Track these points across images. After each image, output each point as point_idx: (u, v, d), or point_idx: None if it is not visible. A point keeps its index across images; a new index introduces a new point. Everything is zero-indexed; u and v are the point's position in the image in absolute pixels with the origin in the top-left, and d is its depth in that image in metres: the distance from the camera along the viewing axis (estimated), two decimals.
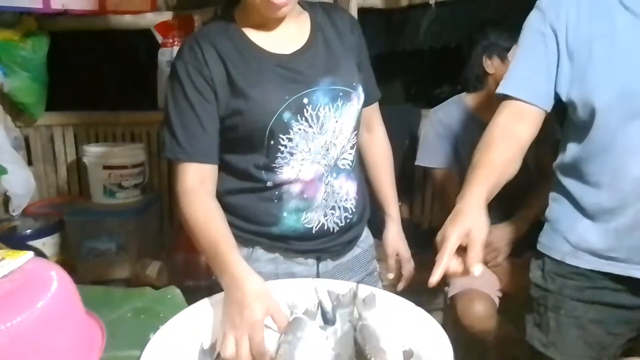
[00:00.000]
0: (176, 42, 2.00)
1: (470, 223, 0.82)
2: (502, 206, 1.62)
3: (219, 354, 0.79)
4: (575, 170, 1.04)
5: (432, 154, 1.74)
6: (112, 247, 1.89)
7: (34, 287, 0.68)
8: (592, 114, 0.95)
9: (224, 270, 0.81)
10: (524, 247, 1.53)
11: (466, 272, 0.80)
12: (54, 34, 1.99)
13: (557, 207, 1.10)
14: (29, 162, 2.11)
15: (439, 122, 1.72)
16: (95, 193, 1.93)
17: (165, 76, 1.93)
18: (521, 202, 1.63)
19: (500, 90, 1.03)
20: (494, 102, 1.56)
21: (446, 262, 0.80)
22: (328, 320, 0.85)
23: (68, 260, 1.88)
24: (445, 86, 2.84)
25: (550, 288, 1.12)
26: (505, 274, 1.62)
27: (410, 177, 2.30)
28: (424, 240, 2.10)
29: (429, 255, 2.01)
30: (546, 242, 1.13)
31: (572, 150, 1.03)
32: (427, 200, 2.39)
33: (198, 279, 1.65)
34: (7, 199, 1.99)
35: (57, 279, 0.70)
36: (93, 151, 1.94)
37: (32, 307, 0.63)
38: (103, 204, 1.92)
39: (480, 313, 1.54)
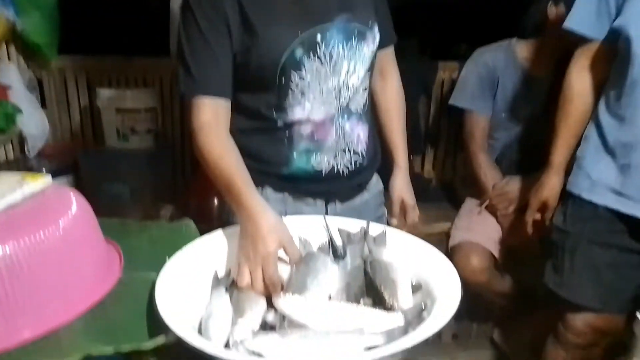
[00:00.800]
0: None
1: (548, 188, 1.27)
2: (529, 160, 1.62)
3: (232, 282, 0.82)
4: (609, 106, 1.12)
5: (469, 96, 1.71)
6: (126, 190, 1.91)
7: (56, 208, 0.70)
8: (629, 44, 1.02)
9: (239, 204, 0.83)
10: None
11: None
12: None
13: (585, 145, 1.20)
14: (43, 105, 2.11)
15: (484, 64, 1.68)
16: (109, 137, 1.94)
17: (177, 22, 1.89)
18: (544, 159, 1.63)
19: (566, 25, 1.17)
20: (548, 53, 1.57)
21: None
22: (339, 256, 0.86)
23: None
24: (463, 43, 2.76)
25: (569, 230, 1.19)
26: (510, 226, 1.64)
27: (423, 131, 2.28)
28: (434, 196, 2.14)
29: (438, 210, 2.04)
30: (572, 179, 1.21)
31: (611, 85, 1.11)
32: (439, 156, 2.38)
33: (210, 222, 1.68)
34: (22, 140, 2.01)
35: (77, 202, 0.72)
36: (106, 94, 1.93)
37: (55, 223, 0.65)
38: (117, 148, 1.93)
39: (475, 266, 1.57)
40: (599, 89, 1.18)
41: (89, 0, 2.65)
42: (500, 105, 1.67)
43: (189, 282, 0.76)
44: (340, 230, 0.91)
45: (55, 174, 1.85)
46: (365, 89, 1.04)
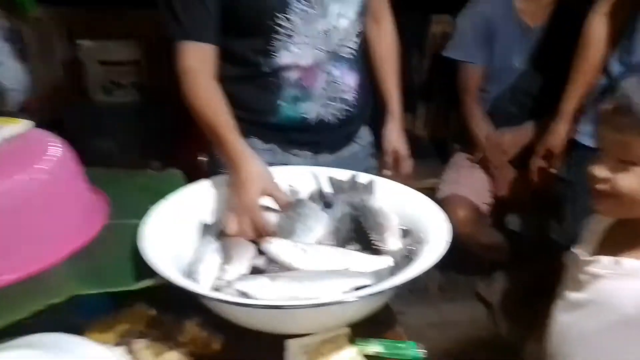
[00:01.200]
0: None
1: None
2: (522, 111, 1.60)
3: (222, 230, 0.81)
4: (621, 54, 1.14)
5: (464, 47, 1.67)
6: (112, 146, 1.88)
7: (40, 151, 0.68)
8: None
9: (226, 151, 0.81)
10: (528, 157, 1.54)
11: None
12: None
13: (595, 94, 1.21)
14: (24, 59, 2.04)
15: (480, 14, 1.64)
16: (93, 91, 1.90)
17: None
18: (538, 111, 1.62)
19: None
20: (542, 3, 1.55)
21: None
22: (328, 205, 0.86)
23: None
24: None
25: (571, 179, 1.21)
26: (502, 178, 1.64)
27: (415, 87, 2.25)
28: (425, 152, 2.13)
29: (429, 166, 2.03)
30: (579, 128, 1.24)
31: (624, 35, 1.13)
32: (431, 112, 2.35)
33: (199, 178, 1.67)
34: (2, 94, 1.95)
35: (62, 147, 0.71)
36: (88, 46, 1.87)
37: (38, 165, 0.63)
38: (102, 102, 1.89)
39: (462, 218, 1.58)
40: (616, 38, 1.17)
41: None
42: (495, 56, 1.65)
43: (175, 230, 0.75)
44: (329, 179, 0.90)
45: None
46: (358, 34, 1.00)
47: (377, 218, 0.75)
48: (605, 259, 0.69)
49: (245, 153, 0.80)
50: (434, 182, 1.83)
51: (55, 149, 0.68)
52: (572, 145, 1.24)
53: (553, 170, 1.44)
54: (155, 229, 0.71)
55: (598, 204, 0.69)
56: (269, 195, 0.77)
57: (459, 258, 1.75)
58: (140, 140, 1.94)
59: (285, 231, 0.74)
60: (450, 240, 0.68)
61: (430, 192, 1.84)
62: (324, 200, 0.87)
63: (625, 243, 0.70)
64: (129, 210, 0.78)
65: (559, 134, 1.37)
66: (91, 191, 0.77)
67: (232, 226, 0.75)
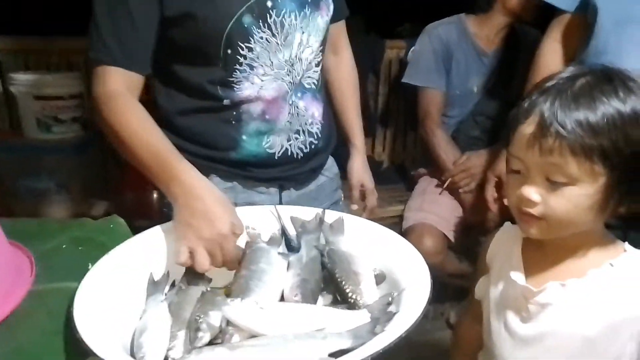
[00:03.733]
0: None
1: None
2: (485, 135, 1.60)
3: (172, 284, 0.71)
4: None
5: (424, 72, 1.67)
6: (51, 185, 1.73)
7: None
8: (594, 13, 0.99)
9: (174, 180, 0.72)
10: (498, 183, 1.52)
11: None
12: None
13: None
14: None
15: (438, 38, 1.64)
16: (27, 127, 1.73)
17: None
18: (498, 132, 1.62)
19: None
20: (495, 28, 1.56)
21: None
22: (293, 248, 0.78)
23: (3, 201, 1.71)
24: (407, 23, 2.73)
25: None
26: (472, 203, 1.62)
27: (373, 112, 2.23)
28: (386, 178, 2.10)
29: (391, 192, 2.00)
30: None
31: (577, 57, 1.11)
32: (389, 137, 2.34)
33: (150, 218, 1.54)
34: None
35: None
36: (23, 79, 1.72)
37: None
38: (38, 139, 1.73)
39: (429, 248, 1.55)
40: (568, 63, 1.18)
41: None
42: (454, 81, 1.65)
43: (118, 292, 0.64)
44: (293, 219, 0.82)
45: None
46: (319, 64, 0.97)
47: (349, 265, 0.67)
48: (552, 286, 0.66)
49: (202, 178, 0.73)
50: (397, 209, 1.80)
51: None
52: None
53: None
54: (92, 293, 0.60)
55: (528, 228, 0.65)
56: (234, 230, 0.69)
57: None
58: (83, 179, 1.79)
59: (240, 291, 0.64)
60: (431, 286, 0.61)
61: (394, 220, 1.82)
62: (287, 244, 0.79)
63: (551, 262, 0.68)
64: (59, 271, 0.66)
65: (486, 157, 1.40)
66: (11, 252, 0.65)
67: (204, 262, 0.66)
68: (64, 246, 0.74)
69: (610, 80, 0.60)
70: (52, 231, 0.78)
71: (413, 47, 1.76)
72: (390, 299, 0.61)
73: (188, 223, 0.69)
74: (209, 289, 0.68)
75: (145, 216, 1.67)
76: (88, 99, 1.88)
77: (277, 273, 0.69)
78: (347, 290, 0.63)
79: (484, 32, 1.63)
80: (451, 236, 1.63)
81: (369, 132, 2.31)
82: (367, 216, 1.19)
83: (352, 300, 0.63)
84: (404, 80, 1.73)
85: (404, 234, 1.66)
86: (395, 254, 0.72)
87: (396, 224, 1.74)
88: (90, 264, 0.65)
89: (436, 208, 1.64)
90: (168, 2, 0.79)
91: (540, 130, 0.59)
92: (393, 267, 0.70)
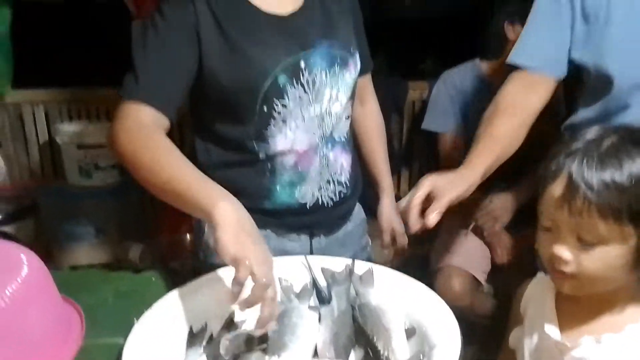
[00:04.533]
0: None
1: (451, 181, 0.86)
2: (505, 175, 1.59)
3: (210, 337, 0.74)
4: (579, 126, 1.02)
5: (442, 118, 1.69)
6: (90, 230, 1.81)
7: (2, 272, 0.61)
8: (607, 79, 0.93)
9: (216, 206, 0.69)
10: (524, 223, 1.51)
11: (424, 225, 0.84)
12: (17, 3, 1.85)
13: None
14: None
15: (453, 85, 1.68)
16: (70, 174, 1.84)
17: None
18: (524, 171, 1.61)
19: (510, 59, 1.00)
20: (510, 71, 1.55)
21: (412, 198, 0.85)
22: (323, 299, 0.80)
23: (44, 246, 1.79)
24: (429, 59, 2.79)
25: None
26: (500, 245, 1.61)
27: (397, 151, 2.26)
28: None
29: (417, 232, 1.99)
30: None
31: (585, 112, 1.01)
32: (414, 175, 2.35)
33: (183, 260, 1.60)
34: None
35: (27, 263, 0.64)
36: (66, 130, 1.84)
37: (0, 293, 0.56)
38: (79, 186, 1.83)
39: (457, 290, 1.53)
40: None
41: (45, 30, 2.54)
42: (474, 126, 1.66)
43: (161, 346, 0.67)
44: (323, 270, 0.85)
45: (14, 216, 1.75)
46: (348, 117, 1.01)
47: (379, 320, 0.69)
48: (587, 341, 0.65)
49: (240, 204, 0.72)
50: (422, 249, 1.79)
51: (22, 269, 0.61)
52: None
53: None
54: (138, 349, 0.64)
55: (561, 285, 0.66)
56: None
57: (460, 329, 1.67)
58: (120, 223, 1.87)
59: (275, 348, 0.66)
60: (461, 344, 0.62)
61: (419, 260, 1.81)
62: (319, 296, 0.81)
63: (586, 316, 0.68)
64: (106, 324, 0.70)
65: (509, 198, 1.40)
66: (63, 307, 0.70)
67: (244, 273, 0.62)
68: (109, 299, 0.78)
69: (636, 140, 0.61)
70: (96, 284, 0.83)
71: (432, 89, 1.79)
72: (421, 356, 0.63)
73: (237, 240, 0.66)
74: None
75: (179, 257, 1.74)
76: None
77: (310, 327, 0.70)
78: (379, 347, 0.65)
79: (499, 77, 1.64)
80: (480, 277, 1.61)
81: (394, 170, 2.33)
82: (397, 259, 1.21)
83: (384, 357, 0.64)
84: (423, 126, 1.76)
85: (431, 275, 1.65)
86: (424, 306, 0.74)
87: (422, 264, 1.73)
88: (135, 319, 0.68)
89: (464, 249, 1.63)
90: (206, 57, 0.83)
91: (568, 192, 0.61)
92: (422, 320, 0.71)
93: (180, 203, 0.74)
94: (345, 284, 0.81)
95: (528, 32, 1.00)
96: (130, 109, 0.80)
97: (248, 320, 0.77)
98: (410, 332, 0.71)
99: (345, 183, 1.02)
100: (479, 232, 1.65)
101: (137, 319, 0.68)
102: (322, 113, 0.93)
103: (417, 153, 2.32)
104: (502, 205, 1.58)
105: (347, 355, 0.67)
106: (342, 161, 1.01)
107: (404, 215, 0.85)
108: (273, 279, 0.66)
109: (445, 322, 0.69)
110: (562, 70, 0.97)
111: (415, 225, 0.84)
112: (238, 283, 0.63)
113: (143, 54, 0.82)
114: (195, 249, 1.05)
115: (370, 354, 0.67)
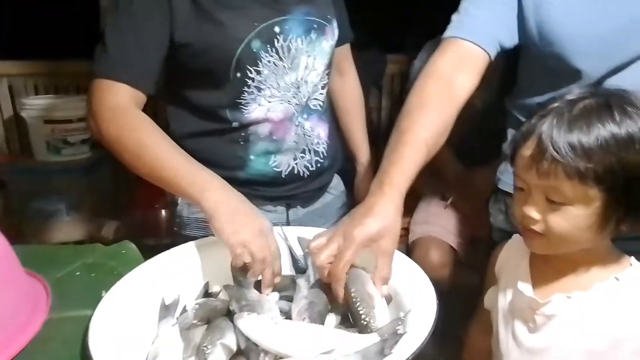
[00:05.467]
0: None
1: (381, 227, 0.68)
2: (489, 150, 1.59)
3: (183, 309, 0.72)
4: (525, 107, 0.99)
5: None
6: (62, 207, 1.77)
7: None
8: (573, 70, 0.86)
9: (208, 189, 0.74)
10: None
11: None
12: None
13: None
14: None
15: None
16: (38, 150, 1.77)
17: None
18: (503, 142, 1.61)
19: (447, 32, 0.89)
20: None
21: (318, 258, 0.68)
22: (299, 268, 0.79)
23: (13, 223, 1.74)
24: (408, 32, 2.75)
25: (517, 231, 1.10)
26: (478, 219, 1.61)
27: (376, 126, 2.25)
28: None
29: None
30: (507, 178, 1.07)
31: (540, 96, 0.93)
32: None
33: (159, 236, 1.57)
34: None
35: None
36: (33, 104, 1.76)
37: None
38: (48, 162, 1.77)
39: (435, 261, 1.53)
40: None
41: (9, 1, 2.41)
42: None
43: (131, 319, 0.65)
44: (300, 240, 0.83)
45: None
46: (324, 87, 0.99)
47: (364, 286, 0.67)
48: (557, 298, 0.67)
49: (229, 185, 0.77)
50: (404, 222, 1.79)
51: None
52: (501, 194, 1.10)
53: None
54: (106, 320, 0.61)
55: (531, 243, 0.68)
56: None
57: (439, 301, 1.69)
58: (93, 199, 1.82)
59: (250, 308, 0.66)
60: (436, 310, 0.62)
61: (401, 233, 1.81)
62: (295, 265, 0.80)
63: (557, 275, 0.69)
64: (73, 298, 0.68)
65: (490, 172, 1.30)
66: (28, 282, 0.67)
67: (240, 254, 0.70)
68: (77, 273, 0.75)
69: (608, 105, 0.60)
70: (65, 257, 0.80)
71: (413, 62, 1.76)
72: (399, 322, 0.62)
73: (232, 222, 0.72)
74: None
75: (155, 234, 1.71)
76: None
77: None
78: (361, 313, 0.64)
79: None
80: (459, 248, 1.62)
81: (372, 145, 2.33)
82: None
83: (365, 323, 0.63)
84: (405, 97, 1.73)
85: (411, 247, 1.66)
86: (401, 273, 0.73)
87: (402, 236, 1.74)
88: (103, 291, 0.66)
89: (442, 220, 1.63)
90: (180, 26, 0.81)
91: (537, 154, 0.61)
92: (398, 286, 0.71)
93: (170, 189, 0.78)
94: None
95: (467, 7, 0.89)
96: (106, 88, 0.78)
97: (223, 290, 0.75)
98: (387, 299, 0.71)
99: (323, 153, 1.01)
100: (459, 205, 1.65)
101: (106, 291, 0.66)
102: (298, 81, 0.92)
103: None
104: (483, 179, 1.58)
105: (322, 322, 0.67)
106: (319, 131, 0.99)
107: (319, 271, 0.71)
108: (273, 253, 0.72)
109: (421, 287, 0.68)
110: (496, 50, 0.87)
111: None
112: (238, 262, 0.70)
113: (114, 27, 0.80)
114: (170, 224, 1.03)
115: (350, 319, 0.67)
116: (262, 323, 0.60)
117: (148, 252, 0.83)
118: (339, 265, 0.66)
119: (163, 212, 1.60)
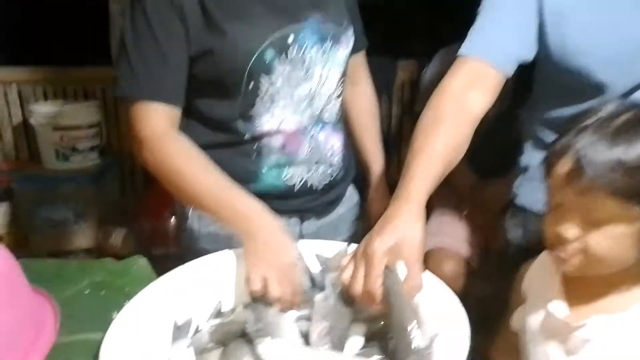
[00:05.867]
0: None
1: (400, 237, 0.66)
2: (502, 160, 1.54)
3: (196, 330, 0.70)
4: (560, 120, 0.91)
5: None
6: (69, 215, 1.75)
7: None
8: (597, 85, 0.83)
9: (240, 217, 0.76)
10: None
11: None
12: None
13: (538, 156, 0.93)
14: None
15: (450, 64, 1.59)
16: (46, 158, 1.76)
17: (117, 27, 1.74)
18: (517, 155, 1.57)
19: (462, 49, 0.85)
20: None
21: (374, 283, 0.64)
22: (317, 286, 0.76)
23: (19, 232, 1.72)
24: (419, 38, 2.72)
25: (536, 249, 1.06)
26: (493, 230, 1.57)
27: (385, 136, 2.21)
28: None
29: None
30: (525, 193, 1.04)
31: (560, 109, 0.91)
32: (404, 158, 2.30)
33: (167, 246, 1.54)
34: None
35: None
36: (41, 111, 1.74)
37: None
38: (56, 169, 1.75)
39: (449, 273, 1.49)
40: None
41: (17, 5, 2.41)
42: None
43: (143, 341, 0.63)
44: (318, 257, 0.80)
45: None
46: (339, 97, 0.96)
47: (403, 314, 0.61)
48: (594, 320, 0.63)
49: (266, 212, 0.77)
50: None
51: None
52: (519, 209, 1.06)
53: None
54: (117, 345, 0.59)
55: (565, 265, 0.64)
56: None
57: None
58: (100, 207, 1.80)
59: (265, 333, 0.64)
60: (469, 334, 0.58)
61: None
62: (312, 284, 0.77)
63: (593, 295, 0.66)
64: (83, 319, 0.65)
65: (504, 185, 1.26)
66: (35, 301, 0.64)
67: (275, 290, 0.70)
68: (86, 292, 0.73)
69: None
70: (73, 273, 0.77)
71: (424, 70, 1.72)
72: (428, 347, 0.59)
73: (258, 253, 0.72)
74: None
75: (164, 244, 1.68)
76: (106, 127, 1.90)
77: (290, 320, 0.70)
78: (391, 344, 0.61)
79: None
80: (472, 260, 1.58)
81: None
82: None
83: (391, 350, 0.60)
84: (417, 109, 1.70)
85: (423, 258, 1.61)
86: (427, 293, 0.70)
87: None
88: (114, 312, 0.63)
89: (455, 232, 1.59)
90: (193, 39, 0.80)
91: (575, 171, 0.58)
92: (425, 307, 0.67)
93: (216, 217, 0.80)
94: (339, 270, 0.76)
95: (484, 21, 0.85)
96: (140, 113, 0.80)
97: (237, 309, 0.73)
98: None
99: (337, 165, 0.98)
100: (472, 216, 1.61)
101: (117, 312, 0.63)
102: (312, 92, 0.89)
103: (407, 135, 2.27)
104: (496, 191, 1.54)
105: (343, 347, 0.63)
106: (333, 142, 0.97)
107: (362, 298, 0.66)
108: (293, 290, 0.72)
109: (449, 305, 0.65)
110: (512, 68, 0.84)
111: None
112: (252, 291, 0.71)
113: (136, 46, 0.80)
114: (179, 233, 1.01)
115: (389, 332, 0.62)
116: (283, 349, 0.57)
117: (157, 262, 0.83)
118: (369, 281, 0.64)
119: (172, 220, 1.57)
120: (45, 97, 1.95)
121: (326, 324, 0.65)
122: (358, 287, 0.64)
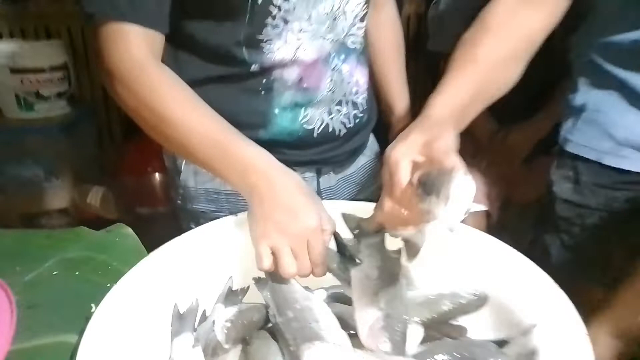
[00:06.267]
0: None
1: (428, 135, 0.57)
2: (526, 103, 1.38)
3: (202, 315, 0.56)
4: (628, 53, 0.80)
5: (451, 37, 1.46)
6: (39, 172, 1.60)
7: None
8: None
9: (250, 169, 0.59)
10: (541, 152, 1.34)
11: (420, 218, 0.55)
12: None
13: (596, 95, 0.87)
14: None
15: None
16: (7, 106, 1.58)
17: None
18: (545, 97, 1.42)
19: None
20: None
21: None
22: (350, 258, 0.60)
23: None
24: None
25: (589, 204, 0.91)
26: (515, 181, 1.45)
27: None
28: None
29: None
30: (578, 139, 0.90)
31: (625, 32, 0.78)
32: (417, 102, 2.16)
33: (154, 205, 1.39)
34: None
35: None
36: None
37: None
38: (19, 119, 1.58)
39: (469, 225, 1.39)
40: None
41: None
42: None
43: (133, 340, 0.47)
44: (345, 216, 0.64)
45: None
46: (364, 19, 0.80)
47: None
48: None
49: (282, 166, 0.61)
50: None
51: None
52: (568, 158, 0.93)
53: None
54: (99, 350, 0.43)
55: None
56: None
57: None
58: (74, 162, 1.64)
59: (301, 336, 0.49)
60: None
61: None
62: (342, 253, 0.61)
63: None
64: (50, 316, 0.49)
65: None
66: None
67: (290, 264, 0.55)
68: (54, 272, 0.55)
69: None
70: (37, 249, 0.60)
71: (433, 3, 1.54)
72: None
73: (269, 217, 0.57)
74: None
75: (149, 202, 1.55)
76: (75, 71, 1.70)
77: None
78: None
79: None
80: (492, 212, 1.47)
81: None
82: None
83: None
84: (429, 47, 1.52)
85: None
86: (496, 263, 0.55)
87: None
88: (92, 304, 0.47)
89: (475, 184, 1.47)
90: None
91: None
92: (499, 290, 0.53)
93: (214, 169, 0.63)
94: (380, 234, 0.60)
95: None
96: (114, 37, 0.64)
97: (253, 287, 0.58)
98: (479, 301, 0.53)
99: (362, 105, 0.83)
100: (492, 168, 1.49)
101: (96, 305, 0.47)
102: (335, 11, 0.73)
103: (412, 79, 2.11)
104: (522, 140, 1.41)
105: (405, 342, 0.48)
106: (358, 76, 0.81)
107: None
108: (315, 260, 0.57)
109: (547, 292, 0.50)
110: None
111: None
112: (261, 268, 0.56)
113: None
114: (169, 192, 0.87)
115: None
116: (332, 351, 0.42)
117: (142, 224, 0.71)
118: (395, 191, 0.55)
119: (157, 176, 1.41)
120: (1, 36, 1.73)
121: (378, 313, 0.49)
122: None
